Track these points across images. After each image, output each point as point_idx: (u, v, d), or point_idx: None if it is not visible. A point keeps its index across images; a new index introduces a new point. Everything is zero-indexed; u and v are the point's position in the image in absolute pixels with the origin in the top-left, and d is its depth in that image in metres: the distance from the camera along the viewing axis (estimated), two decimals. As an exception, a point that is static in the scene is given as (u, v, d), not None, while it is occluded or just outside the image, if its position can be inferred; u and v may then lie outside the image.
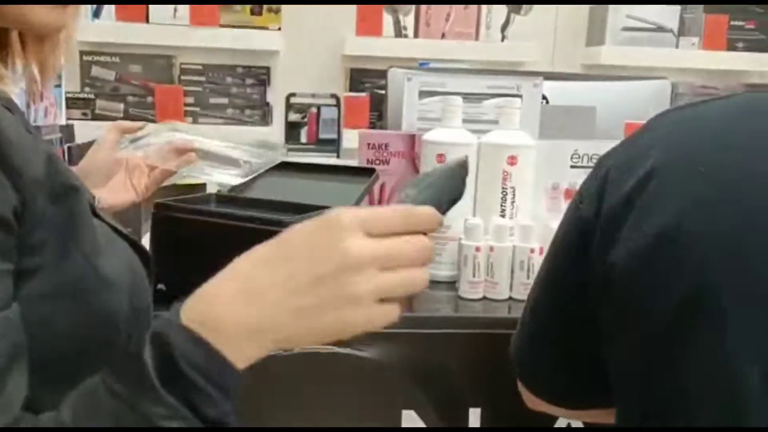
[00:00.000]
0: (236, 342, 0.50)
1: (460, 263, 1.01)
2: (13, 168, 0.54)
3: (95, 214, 0.64)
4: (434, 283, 1.06)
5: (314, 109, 2.79)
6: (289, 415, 0.91)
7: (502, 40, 2.77)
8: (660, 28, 2.76)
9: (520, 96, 1.14)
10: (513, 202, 1.04)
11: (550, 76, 1.28)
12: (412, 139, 1.13)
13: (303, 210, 0.82)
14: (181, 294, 0.52)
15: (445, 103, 1.06)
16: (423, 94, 1.18)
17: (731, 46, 2.76)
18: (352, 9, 2.69)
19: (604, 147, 1.09)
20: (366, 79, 2.81)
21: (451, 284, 1.05)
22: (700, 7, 2.72)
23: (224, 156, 1.02)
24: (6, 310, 0.53)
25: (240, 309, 0.50)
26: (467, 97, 1.12)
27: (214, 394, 0.49)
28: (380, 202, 1.13)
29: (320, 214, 0.52)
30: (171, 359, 0.48)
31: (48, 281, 0.56)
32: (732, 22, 2.76)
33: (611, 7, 2.71)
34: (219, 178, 1.02)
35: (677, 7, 2.74)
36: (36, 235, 0.56)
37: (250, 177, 1.02)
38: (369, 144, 1.13)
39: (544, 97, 1.21)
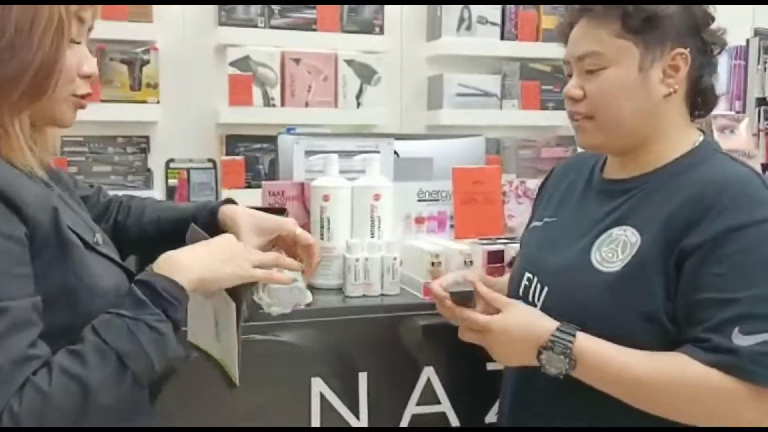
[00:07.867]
0: (185, 274, 0.90)
1: (345, 272, 1.39)
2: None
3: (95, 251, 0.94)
4: (326, 290, 1.43)
5: (184, 174, 3.04)
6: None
7: (358, 106, 3.22)
8: (486, 94, 3.35)
9: (378, 152, 1.56)
10: (379, 227, 1.44)
11: (399, 137, 1.71)
12: (301, 187, 1.51)
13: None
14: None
15: (326, 159, 1.45)
16: (306, 153, 1.56)
17: (544, 106, 3.39)
18: (224, 82, 3.03)
19: (441, 186, 1.54)
20: (240, 143, 3.14)
21: (339, 290, 1.42)
22: (518, 74, 3.33)
23: None
24: (34, 298, 0.83)
25: (186, 259, 0.93)
26: (340, 154, 1.52)
27: (178, 305, 0.88)
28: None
29: None
30: (152, 287, 0.87)
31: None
32: (543, 87, 3.38)
33: (446, 76, 3.26)
34: None
35: (499, 76, 3.34)
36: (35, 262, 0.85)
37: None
38: (270, 191, 1.49)
39: (396, 152, 1.63)
